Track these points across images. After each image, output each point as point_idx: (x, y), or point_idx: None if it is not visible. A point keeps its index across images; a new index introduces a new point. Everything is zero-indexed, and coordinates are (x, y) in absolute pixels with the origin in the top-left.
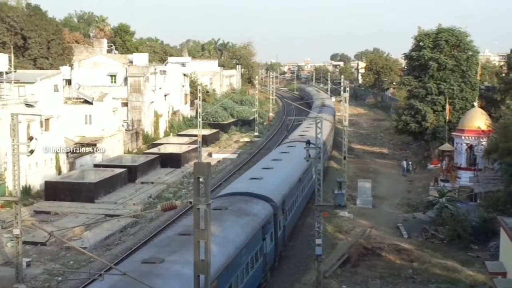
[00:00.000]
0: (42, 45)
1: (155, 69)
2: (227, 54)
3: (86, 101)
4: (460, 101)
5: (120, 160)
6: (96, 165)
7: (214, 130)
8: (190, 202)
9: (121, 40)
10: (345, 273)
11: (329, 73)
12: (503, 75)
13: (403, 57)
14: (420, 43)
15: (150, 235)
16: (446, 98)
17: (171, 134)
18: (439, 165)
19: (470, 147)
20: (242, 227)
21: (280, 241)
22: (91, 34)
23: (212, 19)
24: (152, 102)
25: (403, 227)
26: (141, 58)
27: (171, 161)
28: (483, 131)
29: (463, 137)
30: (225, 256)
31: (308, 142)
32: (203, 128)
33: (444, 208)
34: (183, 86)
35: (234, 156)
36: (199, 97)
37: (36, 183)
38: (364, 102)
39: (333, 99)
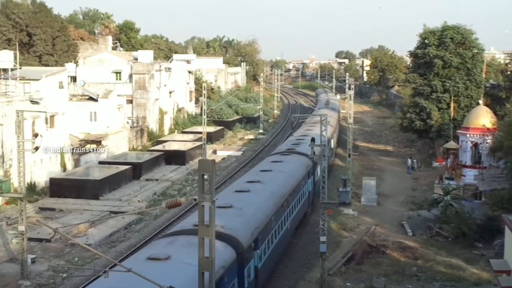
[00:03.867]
0: (47, 42)
1: (160, 66)
2: (232, 52)
3: (91, 98)
4: (465, 99)
5: (125, 157)
6: (101, 162)
7: (218, 127)
8: (195, 199)
9: (126, 37)
10: (349, 271)
11: (334, 71)
12: (509, 72)
13: (408, 55)
14: (425, 40)
15: (155, 232)
16: (451, 96)
17: (176, 131)
18: (444, 163)
19: (475, 145)
20: (299, 169)
21: (317, 187)
22: (96, 31)
23: (217, 16)
24: (157, 99)
25: (408, 225)
26: (146, 55)
27: (176, 158)
28: (488, 129)
29: (468, 135)
30: (295, 179)
31: (312, 140)
32: (207, 125)
33: (449, 206)
34: (188, 83)
35: (239, 153)
36: (204, 94)
37: (41, 180)
38: (369, 100)
39: (338, 96)
